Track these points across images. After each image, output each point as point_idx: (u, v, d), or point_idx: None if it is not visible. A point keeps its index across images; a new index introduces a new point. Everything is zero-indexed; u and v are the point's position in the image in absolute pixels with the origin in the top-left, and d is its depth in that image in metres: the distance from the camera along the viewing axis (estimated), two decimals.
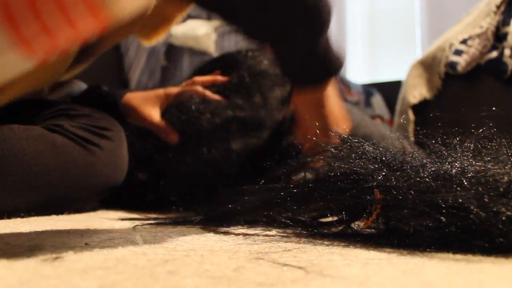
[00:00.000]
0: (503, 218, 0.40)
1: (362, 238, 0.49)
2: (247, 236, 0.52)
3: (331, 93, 0.76)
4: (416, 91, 1.40)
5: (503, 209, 0.41)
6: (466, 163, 0.47)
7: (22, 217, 0.70)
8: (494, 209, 0.41)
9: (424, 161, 0.49)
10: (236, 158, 0.83)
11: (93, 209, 0.86)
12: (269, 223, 0.55)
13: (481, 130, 0.52)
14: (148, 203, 0.85)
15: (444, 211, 0.42)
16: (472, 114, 0.56)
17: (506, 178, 0.43)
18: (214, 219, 0.60)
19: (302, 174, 0.58)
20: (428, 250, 0.43)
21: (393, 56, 2.72)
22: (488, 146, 0.50)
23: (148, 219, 0.65)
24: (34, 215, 0.72)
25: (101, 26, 0.40)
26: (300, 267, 0.35)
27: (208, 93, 0.90)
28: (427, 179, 0.45)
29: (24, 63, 0.39)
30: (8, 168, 0.67)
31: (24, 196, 0.69)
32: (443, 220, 0.42)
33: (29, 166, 0.68)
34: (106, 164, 0.77)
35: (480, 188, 0.43)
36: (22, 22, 0.37)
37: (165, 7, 0.74)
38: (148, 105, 0.90)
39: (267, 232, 0.54)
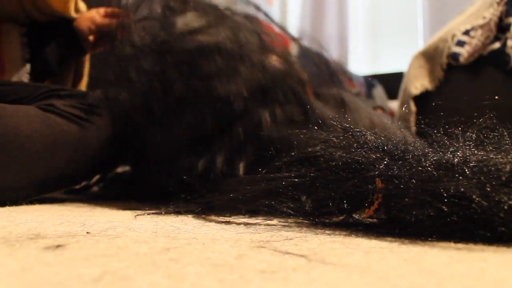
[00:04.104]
0: (505, 207, 0.40)
1: (364, 227, 0.49)
2: (248, 225, 0.52)
3: None
4: (418, 82, 1.40)
5: (505, 198, 0.41)
6: (468, 153, 0.46)
7: (24, 204, 0.70)
8: (496, 198, 0.41)
9: (426, 150, 0.49)
10: None
11: (94, 197, 0.86)
12: (271, 212, 0.55)
13: (483, 120, 0.52)
14: (148, 193, 0.84)
15: (446, 200, 0.42)
16: (474, 104, 0.55)
17: (508, 167, 0.43)
18: (216, 209, 0.60)
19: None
20: (429, 239, 0.43)
21: (395, 47, 2.72)
22: (490, 136, 0.50)
23: (150, 208, 0.65)
24: (35, 203, 0.72)
25: None
26: (302, 255, 0.36)
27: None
28: (429, 168, 0.45)
29: None
30: (5, 145, 0.67)
31: (22, 173, 0.70)
32: (445, 209, 0.42)
33: (26, 143, 0.69)
34: (98, 138, 0.80)
35: (482, 178, 0.42)
36: None
37: None
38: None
39: (269, 221, 0.54)
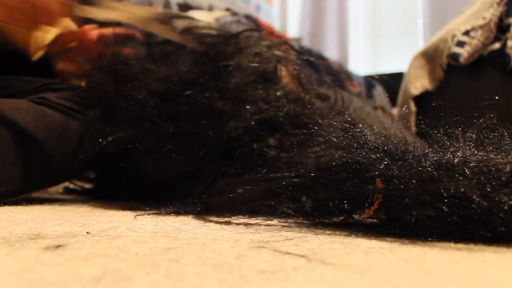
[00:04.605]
0: (505, 207, 0.40)
1: (364, 228, 0.49)
2: (248, 226, 0.52)
3: None
4: (418, 82, 1.40)
5: (505, 199, 0.41)
6: (468, 153, 0.46)
7: (24, 205, 0.70)
8: (496, 199, 0.41)
9: (426, 150, 0.49)
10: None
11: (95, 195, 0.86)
12: (271, 212, 0.55)
13: (483, 120, 0.52)
14: (148, 194, 0.84)
15: (446, 200, 0.42)
16: (474, 104, 0.55)
17: (508, 168, 0.43)
18: (216, 209, 0.60)
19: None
20: (430, 239, 0.43)
21: (395, 47, 2.72)
22: (490, 136, 0.50)
23: (150, 208, 0.65)
24: (35, 204, 0.72)
25: None
26: (302, 256, 0.36)
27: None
28: (429, 169, 0.45)
29: None
30: (0, 140, 0.67)
31: (18, 167, 0.70)
32: (445, 210, 0.42)
33: (19, 136, 0.69)
34: (91, 130, 0.80)
35: (482, 178, 0.42)
36: None
37: None
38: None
39: (269, 222, 0.54)
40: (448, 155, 0.47)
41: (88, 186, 0.99)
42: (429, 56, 1.41)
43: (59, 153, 0.76)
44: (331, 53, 2.74)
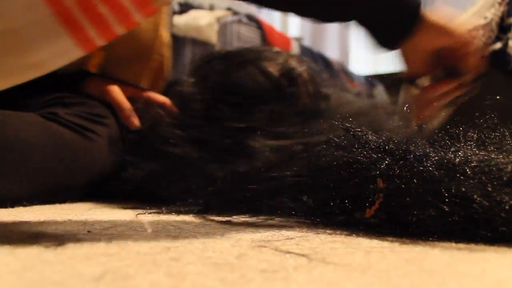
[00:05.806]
0: (506, 207, 0.40)
1: (365, 227, 0.49)
2: (249, 225, 0.52)
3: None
4: (419, 82, 1.39)
5: (507, 198, 0.41)
6: (470, 153, 0.46)
7: (25, 205, 0.70)
8: (498, 198, 0.41)
9: (427, 150, 0.49)
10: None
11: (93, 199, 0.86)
12: (272, 212, 0.55)
13: (484, 120, 0.52)
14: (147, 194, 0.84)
15: (447, 200, 0.42)
16: (475, 104, 0.55)
17: (509, 167, 0.43)
18: (217, 208, 0.60)
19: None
20: (431, 239, 0.43)
21: None
22: (492, 136, 0.50)
23: (150, 208, 0.65)
24: (36, 204, 0.72)
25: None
26: (303, 255, 0.35)
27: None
28: (430, 168, 0.45)
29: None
30: (5, 154, 0.67)
31: (22, 183, 0.69)
32: (446, 209, 0.42)
33: (26, 152, 0.68)
34: (103, 150, 0.78)
35: (483, 177, 0.42)
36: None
37: None
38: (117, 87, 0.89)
39: (270, 221, 0.54)
40: (449, 155, 0.46)
41: None
42: None
43: (67, 171, 0.74)
44: (332, 53, 2.74)
